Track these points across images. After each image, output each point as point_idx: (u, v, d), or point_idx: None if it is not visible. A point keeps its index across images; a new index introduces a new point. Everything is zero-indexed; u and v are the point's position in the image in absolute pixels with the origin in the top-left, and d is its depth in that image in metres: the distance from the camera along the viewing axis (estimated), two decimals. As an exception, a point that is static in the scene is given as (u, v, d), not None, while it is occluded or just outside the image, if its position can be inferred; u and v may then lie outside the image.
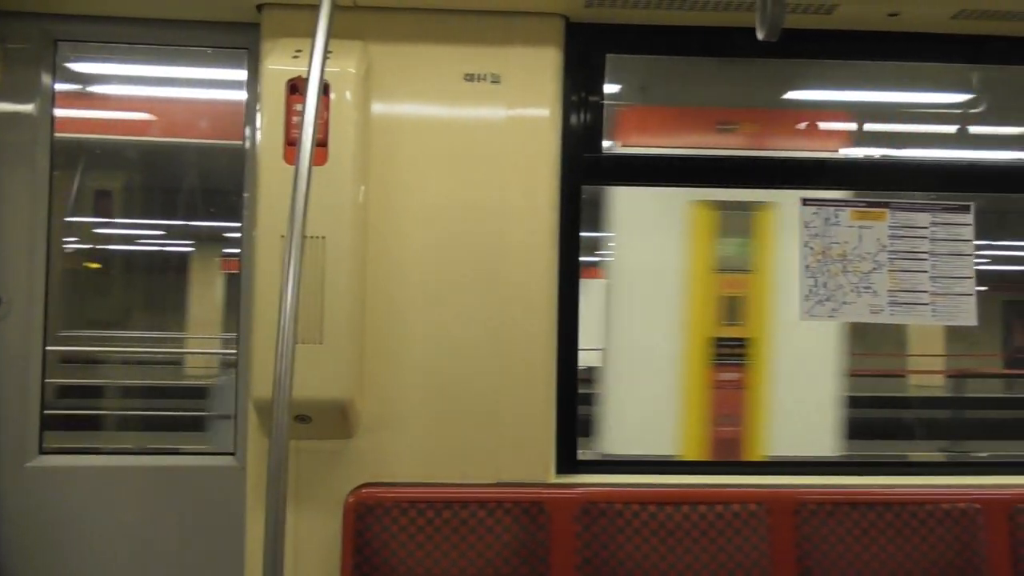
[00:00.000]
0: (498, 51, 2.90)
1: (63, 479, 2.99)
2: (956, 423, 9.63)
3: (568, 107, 3.00)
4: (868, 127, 5.91)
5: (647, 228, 5.07)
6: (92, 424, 6.14)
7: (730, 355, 5.23)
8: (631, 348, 5.07)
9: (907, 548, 2.83)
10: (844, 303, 3.08)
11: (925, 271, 3.10)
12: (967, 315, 3.10)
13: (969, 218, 3.12)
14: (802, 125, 5.48)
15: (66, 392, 6.56)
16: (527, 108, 2.91)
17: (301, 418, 2.67)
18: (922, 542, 2.84)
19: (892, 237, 3.10)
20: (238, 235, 3.05)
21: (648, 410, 4.91)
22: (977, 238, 3.05)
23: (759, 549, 2.81)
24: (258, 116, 2.70)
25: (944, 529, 2.86)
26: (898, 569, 2.82)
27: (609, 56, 3.09)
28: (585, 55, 3.03)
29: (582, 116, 3.04)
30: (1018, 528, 2.88)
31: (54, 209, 3.03)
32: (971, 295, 3.10)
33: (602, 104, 3.06)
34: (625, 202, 5.11)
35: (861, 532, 2.84)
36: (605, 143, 3.16)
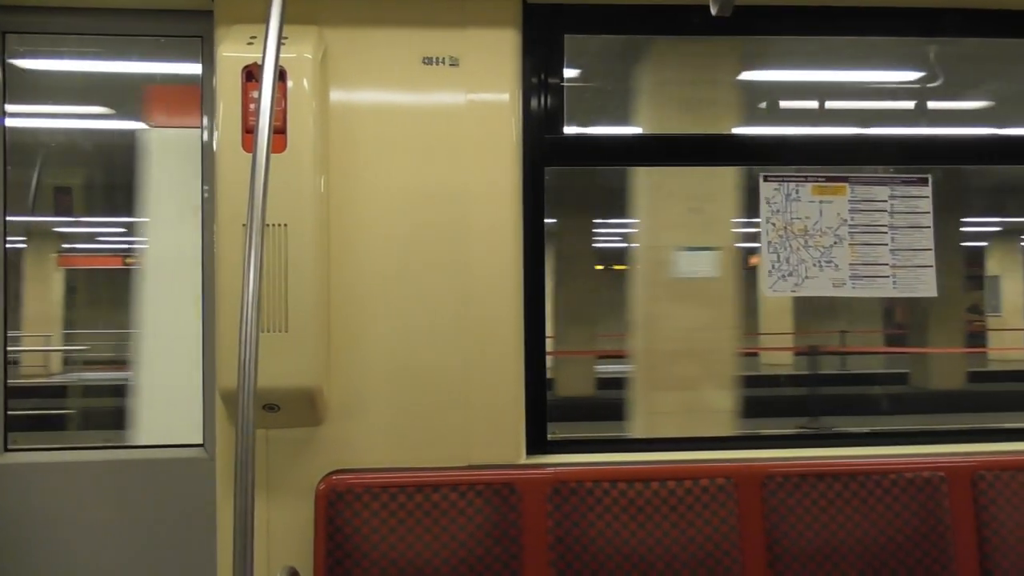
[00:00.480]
0: (456, 33, 2.88)
1: (30, 476, 2.96)
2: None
3: (528, 89, 2.99)
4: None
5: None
6: None
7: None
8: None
9: (873, 517, 2.88)
10: (807, 278, 3.11)
11: (885, 244, 3.14)
12: (927, 286, 3.15)
13: (927, 190, 3.16)
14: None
15: None
16: (487, 90, 2.90)
17: (269, 407, 2.66)
18: (887, 510, 2.89)
19: (852, 211, 3.14)
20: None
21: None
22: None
23: (728, 522, 2.84)
24: (215, 105, 2.68)
25: (909, 497, 2.90)
26: (864, 537, 2.86)
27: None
28: (543, 36, 3.02)
29: (542, 98, 3.03)
30: (980, 494, 2.94)
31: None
32: (931, 267, 3.15)
33: (562, 85, 3.05)
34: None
35: (827, 503, 2.88)
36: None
